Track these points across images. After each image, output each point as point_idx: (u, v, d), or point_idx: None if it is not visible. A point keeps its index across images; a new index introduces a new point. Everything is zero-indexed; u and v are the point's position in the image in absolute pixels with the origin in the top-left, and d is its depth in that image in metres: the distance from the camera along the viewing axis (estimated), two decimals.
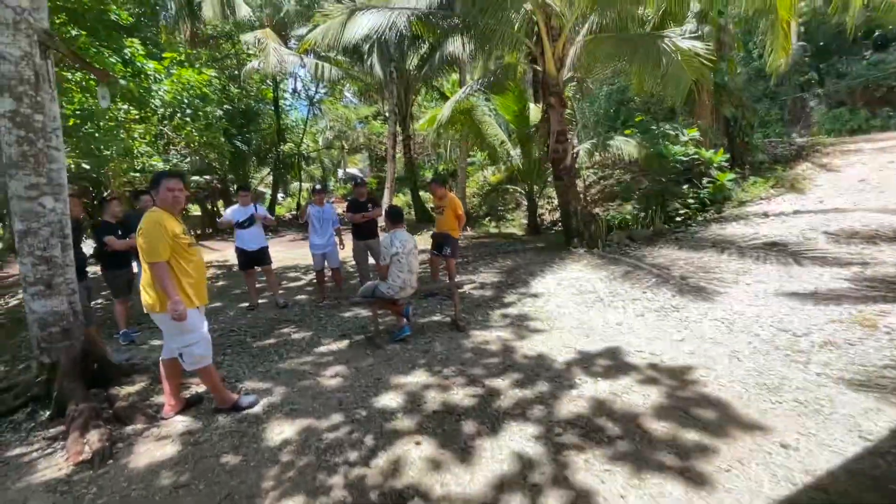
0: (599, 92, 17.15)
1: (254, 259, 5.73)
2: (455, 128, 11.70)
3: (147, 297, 2.74)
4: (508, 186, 15.52)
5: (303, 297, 6.36)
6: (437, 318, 4.76)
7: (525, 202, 14.76)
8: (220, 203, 25.95)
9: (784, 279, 4.64)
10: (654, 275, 5.39)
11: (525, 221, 14.00)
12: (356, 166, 38.77)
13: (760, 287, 4.53)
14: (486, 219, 15.10)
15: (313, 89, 21.44)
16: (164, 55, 8.03)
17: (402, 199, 21.04)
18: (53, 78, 3.35)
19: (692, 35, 8.89)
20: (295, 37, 16.62)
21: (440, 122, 10.10)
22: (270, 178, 22.87)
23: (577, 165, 9.02)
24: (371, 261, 5.90)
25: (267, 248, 5.83)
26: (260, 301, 6.07)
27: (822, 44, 19.53)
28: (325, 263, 5.87)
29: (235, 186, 22.37)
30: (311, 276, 7.74)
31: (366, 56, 13.17)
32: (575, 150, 8.46)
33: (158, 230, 2.62)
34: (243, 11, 14.33)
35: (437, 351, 3.75)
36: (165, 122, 7.57)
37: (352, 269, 7.85)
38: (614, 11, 7.57)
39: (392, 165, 13.95)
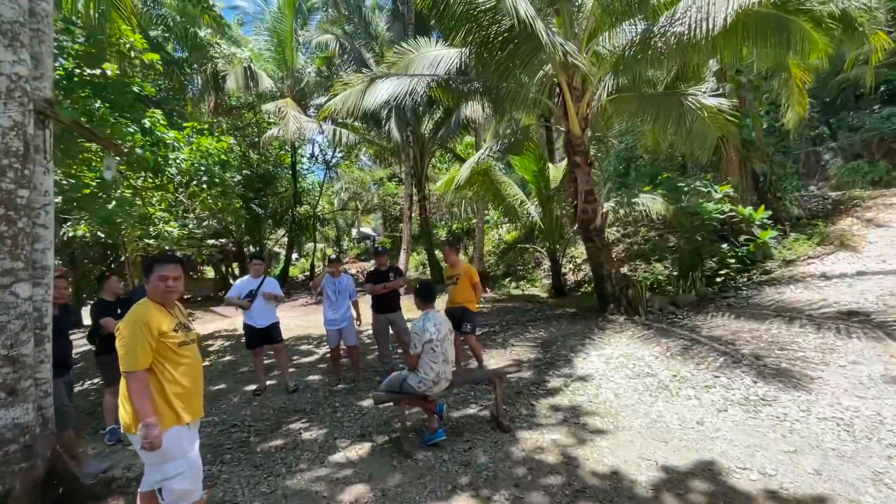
0: (610, 150, 17.18)
1: (263, 337, 5.17)
2: (473, 188, 11.49)
3: (124, 413, 2.16)
4: (528, 245, 15.10)
5: (315, 377, 5.70)
6: (471, 409, 4.05)
7: (546, 261, 14.27)
8: (234, 265, 25.99)
9: (885, 360, 3.89)
10: (718, 352, 4.66)
11: (547, 282, 13.39)
12: (369, 226, 39.16)
13: (860, 371, 3.78)
14: (507, 279, 14.52)
15: (330, 154, 21.97)
16: (185, 125, 8.03)
17: (416, 258, 20.69)
18: (51, 149, 3.02)
19: (713, 93, 8.71)
20: (314, 105, 17.17)
21: (458, 183, 9.86)
22: (286, 238, 22.87)
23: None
24: (390, 333, 5.30)
25: (277, 324, 5.28)
26: (269, 382, 5.43)
27: (827, 99, 19.71)
28: (341, 340, 5.27)
29: (251, 252, 22.48)
30: (325, 349, 7.11)
31: (383, 121, 13.36)
32: (604, 211, 8.02)
33: (139, 331, 2.09)
34: (265, 83, 14.90)
35: (481, 463, 3.03)
36: (182, 189, 7.38)
37: (369, 341, 7.23)
38: (631, 72, 7.44)
39: (408, 226, 13.70)
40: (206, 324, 11.51)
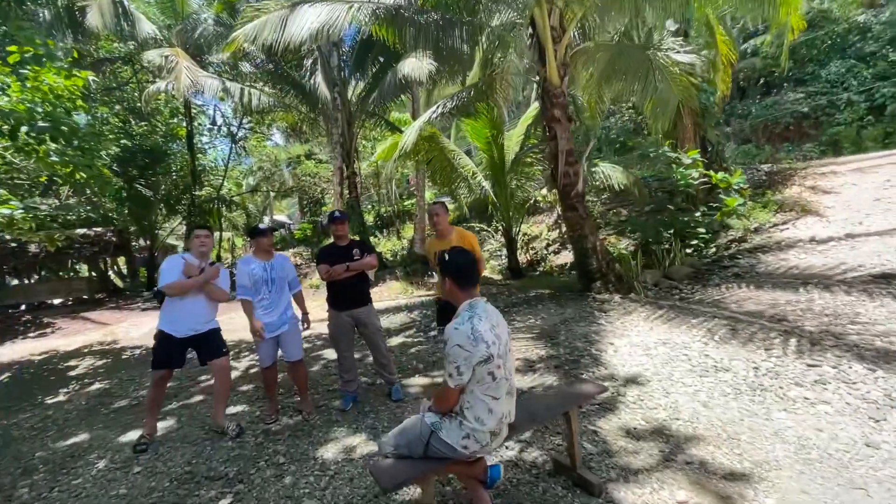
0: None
1: (183, 351, 3.31)
2: (419, 157, 9.94)
3: None
4: (474, 224, 13.91)
5: (240, 408, 3.87)
6: (510, 451, 2.63)
7: (492, 241, 13.23)
8: (120, 260, 21.57)
9: None
10: (777, 331, 3.75)
11: (496, 263, 12.33)
12: (283, 213, 35.51)
13: None
14: None
15: (236, 124, 18.73)
16: (9, 49, 5.41)
17: None
18: None
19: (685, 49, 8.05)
20: (214, 64, 14.20)
21: (403, 149, 8.25)
22: (184, 228, 19.29)
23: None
24: (356, 339, 3.66)
25: (218, 330, 3.42)
26: (166, 424, 3.51)
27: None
28: (278, 354, 3.53)
29: (146, 244, 18.33)
30: (249, 364, 5.21)
31: (307, 75, 11.16)
32: (585, 174, 6.99)
33: None
34: (145, 29, 11.77)
35: None
36: (5, 141, 4.85)
37: (319, 351, 5.46)
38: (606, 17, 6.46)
39: (339, 205, 11.71)
40: (72, 336, 8.66)
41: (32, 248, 13.96)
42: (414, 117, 12.54)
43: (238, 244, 26.28)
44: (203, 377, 4.81)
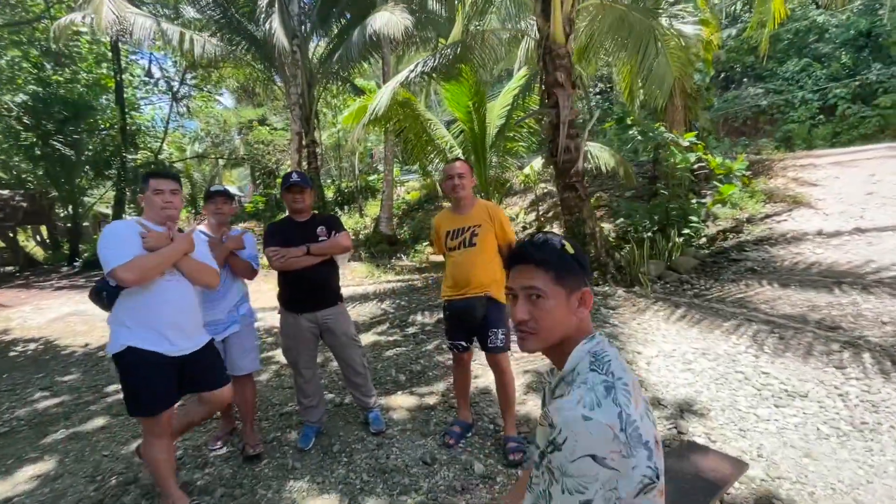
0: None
1: (175, 376, 2.01)
2: (390, 124, 8.81)
3: None
4: (444, 204, 12.95)
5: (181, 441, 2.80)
6: None
7: None
8: (42, 229, 18.87)
9: None
10: (833, 340, 3.13)
11: None
12: (233, 184, 32.83)
13: None
14: (419, 245, 12.26)
15: (177, 80, 16.49)
16: None
17: None
18: None
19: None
20: (150, 3, 12.15)
21: (374, 113, 7.14)
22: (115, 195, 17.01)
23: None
24: (317, 351, 2.68)
25: (212, 343, 2.22)
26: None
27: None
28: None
29: (73, 211, 15.75)
30: None
31: (261, 17, 9.60)
32: (586, 149, 6.20)
33: None
34: None
35: None
36: None
37: (276, 364, 4.38)
38: None
39: None
40: None
41: None
42: (385, 81, 11.28)
43: (181, 216, 23.92)
44: (111, 388, 3.66)
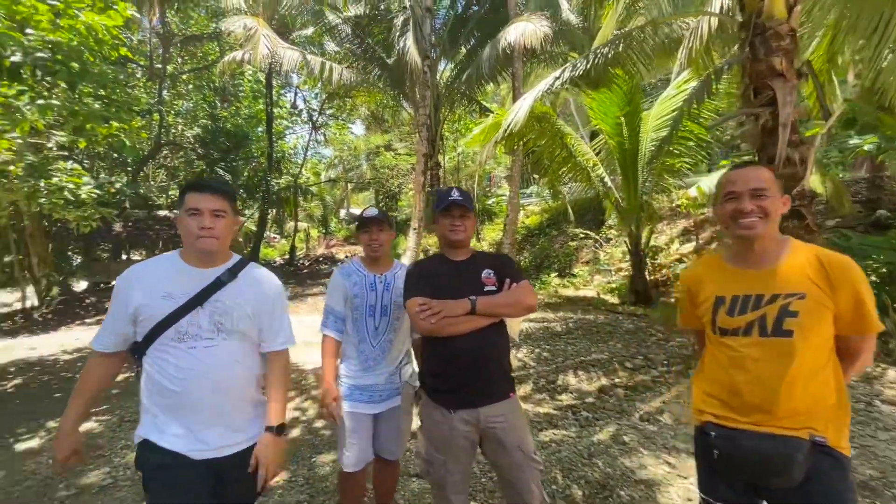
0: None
1: (207, 482, 1.35)
2: (526, 140, 7.91)
3: None
4: (578, 231, 11.55)
5: None
6: None
7: (606, 251, 10.75)
8: None
9: None
10: None
11: (600, 279, 9.91)
12: (359, 207, 35.15)
13: None
14: (548, 275, 11.00)
15: (316, 108, 17.94)
16: None
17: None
18: None
19: None
20: (300, 39, 13.28)
21: (509, 128, 6.26)
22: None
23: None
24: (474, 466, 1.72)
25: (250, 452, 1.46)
26: None
27: None
28: (371, 451, 1.88)
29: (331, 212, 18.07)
30: (307, 406, 3.49)
31: (396, 37, 9.59)
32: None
33: None
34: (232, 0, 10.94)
35: None
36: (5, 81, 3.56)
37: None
38: None
39: (421, 196, 10.00)
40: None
41: (117, 227, 13.99)
42: (515, 98, 10.53)
43: (314, 235, 25.97)
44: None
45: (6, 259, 10.52)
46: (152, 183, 17.26)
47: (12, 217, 8.09)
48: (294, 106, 17.59)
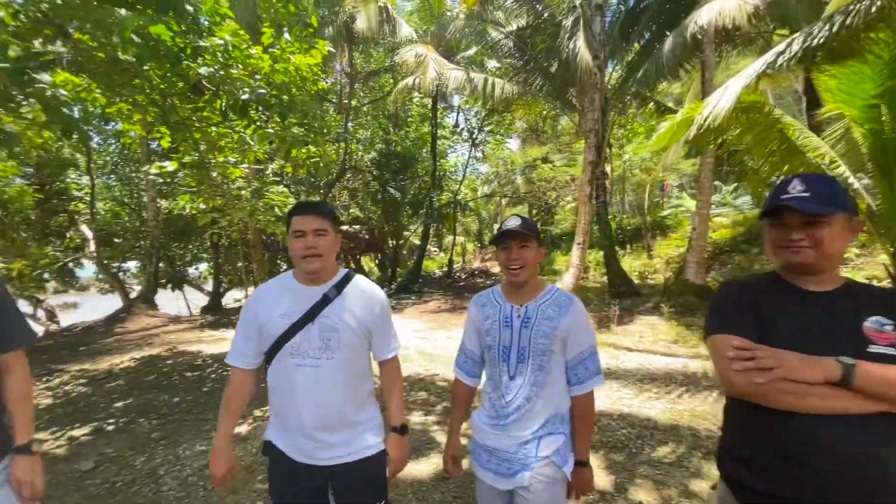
0: None
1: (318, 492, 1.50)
2: (724, 137, 6.52)
3: None
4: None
5: None
6: None
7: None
8: (370, 260, 24.46)
9: None
10: None
11: None
12: None
13: None
14: None
15: (476, 127, 18.56)
16: (263, 28, 4.98)
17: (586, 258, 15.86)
18: None
19: None
20: (463, 60, 13.88)
21: (706, 122, 5.13)
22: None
23: None
24: None
25: (375, 459, 1.53)
26: None
27: None
28: None
29: (394, 243, 20.12)
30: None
31: (565, 39, 9.11)
32: None
33: None
34: (404, 32, 11.99)
35: None
36: (230, 116, 4.26)
37: None
38: None
39: (587, 209, 9.18)
40: None
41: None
42: (704, 91, 8.95)
43: (469, 249, 26.81)
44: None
45: (238, 265, 13.25)
46: (338, 203, 20.11)
47: (242, 231, 10.12)
48: (455, 126, 18.51)
